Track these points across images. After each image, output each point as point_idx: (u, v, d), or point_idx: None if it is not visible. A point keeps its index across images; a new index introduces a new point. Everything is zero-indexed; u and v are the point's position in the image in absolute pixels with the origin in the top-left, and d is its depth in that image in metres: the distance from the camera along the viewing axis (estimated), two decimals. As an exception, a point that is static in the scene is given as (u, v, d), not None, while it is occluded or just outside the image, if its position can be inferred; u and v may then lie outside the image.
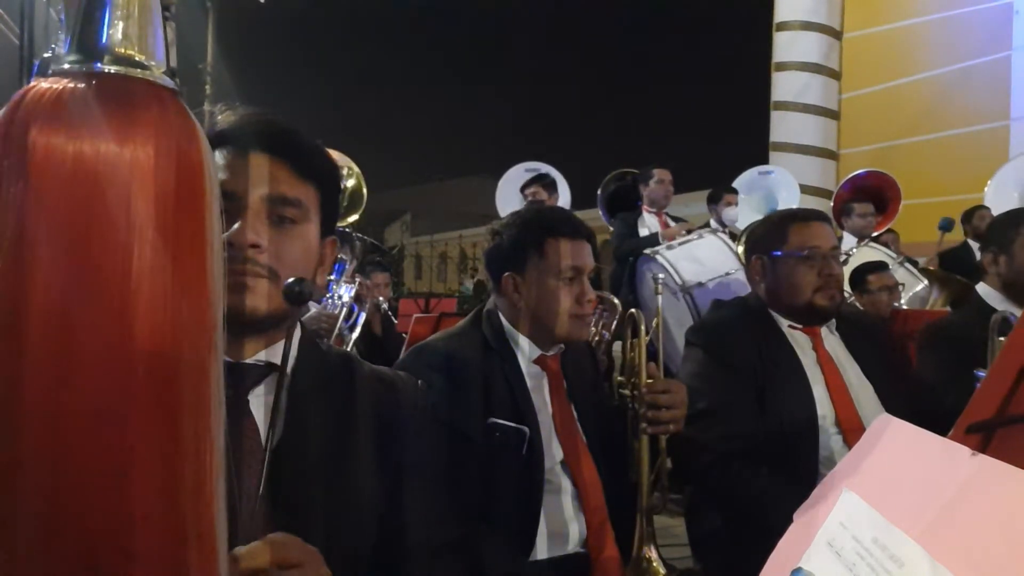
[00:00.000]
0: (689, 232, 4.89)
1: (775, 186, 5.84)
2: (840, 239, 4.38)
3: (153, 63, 0.51)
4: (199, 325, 0.50)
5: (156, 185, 0.47)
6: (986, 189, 5.80)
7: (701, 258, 3.94)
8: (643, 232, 4.78)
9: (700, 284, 3.83)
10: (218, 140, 0.98)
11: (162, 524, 0.48)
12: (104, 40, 0.49)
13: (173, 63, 0.55)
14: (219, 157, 0.97)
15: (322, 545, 0.94)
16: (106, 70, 0.49)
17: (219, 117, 1.01)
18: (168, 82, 0.51)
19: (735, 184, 5.44)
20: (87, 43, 0.49)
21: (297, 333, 1.05)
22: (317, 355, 1.07)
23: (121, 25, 0.50)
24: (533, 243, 1.61)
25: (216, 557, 0.53)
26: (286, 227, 0.98)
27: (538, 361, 1.64)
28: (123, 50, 0.50)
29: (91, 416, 0.46)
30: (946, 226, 5.25)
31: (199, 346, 0.50)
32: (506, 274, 1.63)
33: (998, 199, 5.38)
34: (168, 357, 0.48)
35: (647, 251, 4.15)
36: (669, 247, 4.13)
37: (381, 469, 1.04)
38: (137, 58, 0.50)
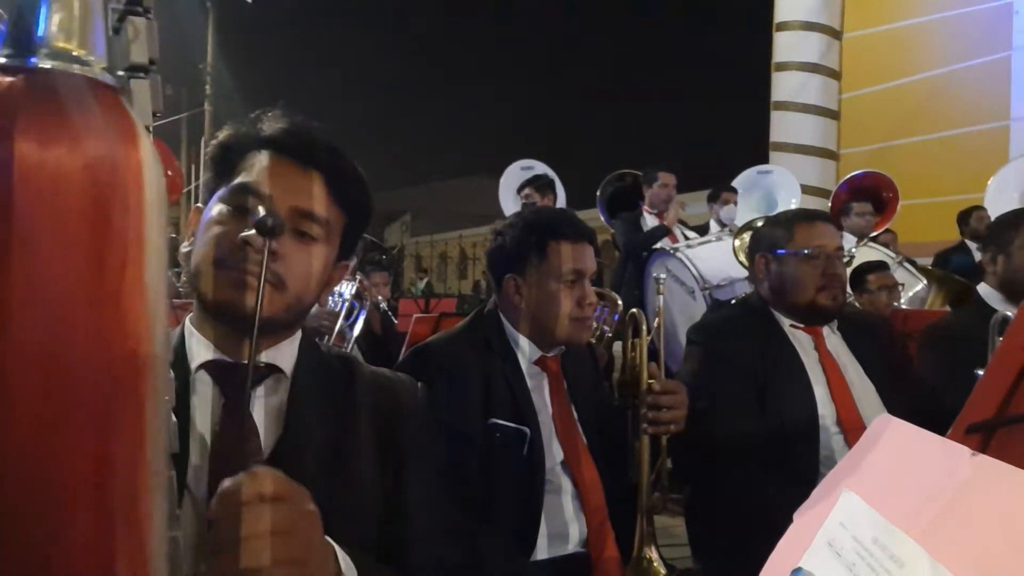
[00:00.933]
0: (682, 222, 4.89)
1: (774, 186, 5.82)
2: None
3: (92, 59, 0.47)
4: (131, 335, 0.47)
5: (84, 187, 0.44)
6: (987, 187, 5.79)
7: (721, 259, 3.93)
8: None
9: (719, 285, 3.82)
10: (265, 143, 0.99)
11: (89, 545, 0.45)
12: (40, 34, 0.46)
13: (143, 59, 0.50)
14: (263, 158, 0.98)
15: None
16: (39, 65, 0.46)
17: (268, 120, 1.01)
18: (108, 79, 0.48)
19: (734, 183, 5.43)
20: (22, 37, 0.46)
21: (297, 335, 1.05)
22: (316, 357, 1.07)
23: (57, 18, 0.46)
24: (535, 245, 1.61)
25: None
26: (305, 242, 0.98)
27: (538, 362, 1.64)
28: (61, 44, 0.46)
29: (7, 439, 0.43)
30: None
31: (132, 356, 0.47)
32: (507, 275, 1.63)
33: (998, 200, 5.38)
34: (95, 369, 0.45)
35: (667, 248, 4.13)
36: (688, 245, 4.12)
37: (381, 471, 1.04)
38: (75, 53, 0.47)
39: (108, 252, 0.45)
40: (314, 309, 2.83)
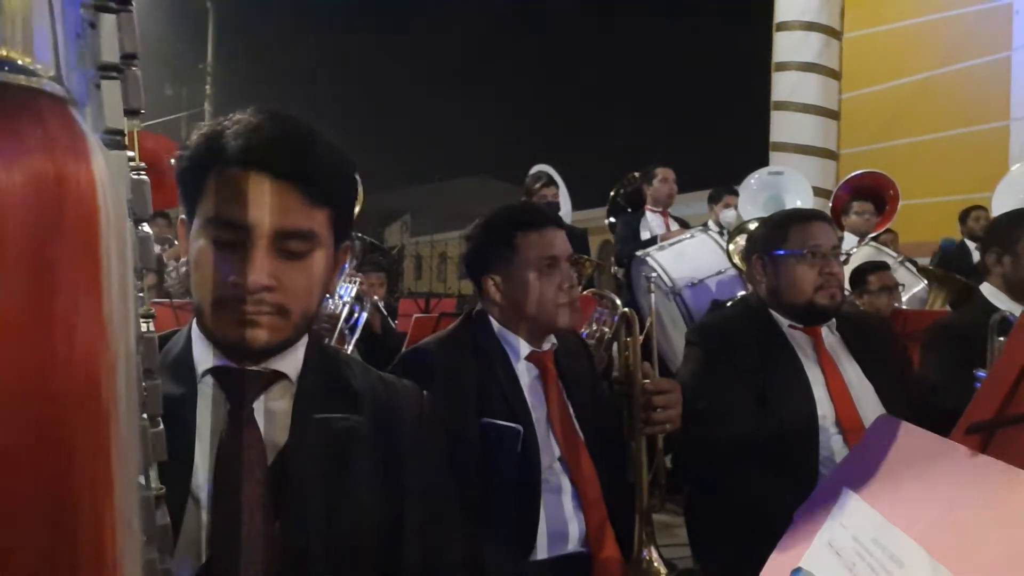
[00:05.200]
0: (682, 222, 4.93)
1: (784, 188, 5.75)
2: (841, 239, 4.37)
3: (39, 67, 0.43)
4: (89, 372, 0.42)
5: (26, 207, 0.40)
6: (996, 187, 5.74)
7: (691, 258, 3.97)
8: (644, 234, 4.79)
9: (690, 284, 3.86)
10: (230, 160, 0.93)
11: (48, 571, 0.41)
12: None
13: (113, 58, 0.47)
14: (231, 177, 0.92)
15: (327, 553, 0.94)
16: None
17: (229, 136, 0.94)
18: (56, 89, 0.43)
19: (744, 183, 5.38)
20: None
21: (304, 339, 1.04)
22: (322, 362, 1.06)
23: None
24: (504, 242, 1.63)
25: None
26: (295, 261, 0.95)
27: (533, 358, 1.64)
28: (3, 53, 0.42)
29: None
30: (947, 247, 5.29)
31: (88, 386, 0.42)
32: (485, 276, 1.65)
33: (1006, 199, 5.34)
34: (44, 400, 0.41)
35: (638, 253, 4.17)
36: (660, 248, 4.15)
37: (386, 478, 1.03)
38: (20, 62, 0.42)
39: (56, 276, 0.41)
40: None
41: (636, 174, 5.54)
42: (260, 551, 0.90)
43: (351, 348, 2.83)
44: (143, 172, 0.54)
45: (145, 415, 0.55)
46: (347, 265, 3.00)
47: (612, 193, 5.57)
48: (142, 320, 0.56)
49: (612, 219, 5.45)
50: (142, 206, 0.54)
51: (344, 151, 1.02)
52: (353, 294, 2.92)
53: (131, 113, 0.51)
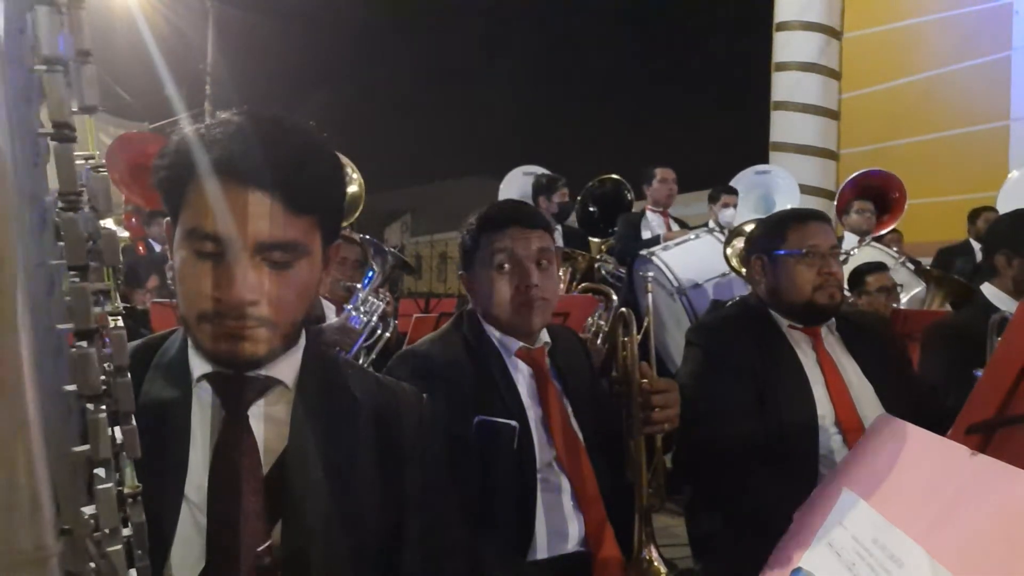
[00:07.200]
0: (682, 223, 4.97)
1: (773, 186, 5.79)
2: (841, 239, 4.37)
3: None
4: None
5: None
6: (1002, 189, 5.73)
7: (697, 259, 3.97)
8: (646, 234, 4.80)
9: (696, 285, 3.85)
10: (205, 172, 0.89)
11: None
12: None
13: (55, 51, 0.46)
14: (209, 187, 0.89)
15: (326, 559, 0.94)
16: None
17: (206, 143, 0.90)
18: None
19: (732, 183, 5.41)
20: None
21: (301, 343, 1.04)
22: (320, 367, 1.05)
23: None
24: (473, 240, 1.65)
25: None
26: (280, 272, 0.92)
27: (525, 356, 1.64)
28: None
29: None
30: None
31: None
32: (463, 274, 1.69)
33: (1012, 199, 5.33)
34: None
35: (643, 252, 4.16)
36: (665, 248, 4.15)
37: (385, 483, 1.03)
38: None
39: None
40: (336, 322, 2.75)
41: (602, 179, 5.67)
42: (258, 557, 0.90)
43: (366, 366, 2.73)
44: (102, 169, 0.53)
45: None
46: (374, 272, 2.93)
47: (579, 200, 5.62)
48: (110, 317, 0.55)
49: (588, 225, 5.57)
50: (103, 203, 0.53)
51: (330, 147, 0.98)
52: (380, 313, 2.83)
53: (86, 110, 0.50)
